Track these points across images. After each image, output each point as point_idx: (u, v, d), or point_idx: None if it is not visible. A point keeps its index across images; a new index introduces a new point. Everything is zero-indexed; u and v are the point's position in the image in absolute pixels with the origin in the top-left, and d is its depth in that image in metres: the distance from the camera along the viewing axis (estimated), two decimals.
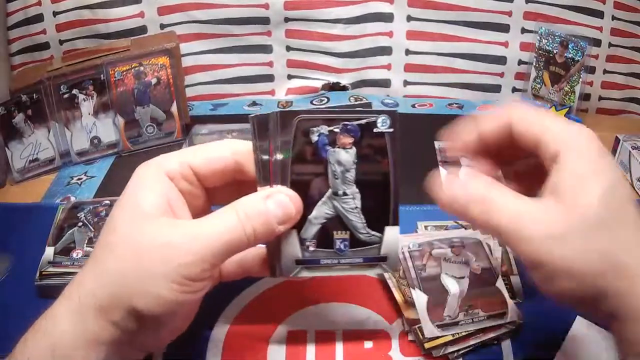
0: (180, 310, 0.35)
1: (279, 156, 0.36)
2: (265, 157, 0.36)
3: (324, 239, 0.37)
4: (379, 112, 0.36)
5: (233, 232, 0.34)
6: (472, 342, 0.42)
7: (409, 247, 0.48)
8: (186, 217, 0.37)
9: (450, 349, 0.42)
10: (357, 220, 0.38)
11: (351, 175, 0.37)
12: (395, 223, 0.38)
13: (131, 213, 0.34)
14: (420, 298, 0.44)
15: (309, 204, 0.37)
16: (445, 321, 0.43)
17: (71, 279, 0.34)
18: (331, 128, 0.36)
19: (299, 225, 0.37)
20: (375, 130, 0.37)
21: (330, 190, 0.37)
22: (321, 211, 0.37)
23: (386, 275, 0.47)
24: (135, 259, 0.33)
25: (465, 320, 0.43)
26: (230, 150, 0.37)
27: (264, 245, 0.38)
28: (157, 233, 0.33)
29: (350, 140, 0.36)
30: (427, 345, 0.42)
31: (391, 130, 0.37)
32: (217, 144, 0.38)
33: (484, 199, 0.33)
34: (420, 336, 0.42)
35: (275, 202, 0.35)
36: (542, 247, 0.31)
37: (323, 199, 0.37)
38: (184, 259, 0.32)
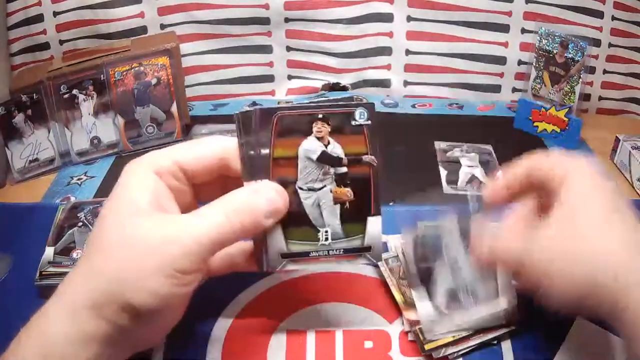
0: (172, 303, 0.35)
1: (263, 152, 0.37)
2: (251, 152, 0.37)
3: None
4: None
5: (221, 226, 0.34)
6: (472, 342, 0.42)
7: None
8: (175, 213, 0.37)
9: (451, 350, 0.42)
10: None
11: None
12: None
13: (121, 209, 0.35)
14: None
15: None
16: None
17: (64, 277, 0.35)
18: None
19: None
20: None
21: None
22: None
23: (385, 274, 0.47)
24: (127, 255, 0.33)
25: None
26: (218, 147, 0.38)
27: (250, 241, 0.39)
28: (148, 228, 0.34)
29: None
30: (427, 347, 0.42)
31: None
32: (205, 140, 0.39)
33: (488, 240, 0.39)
34: (421, 337, 0.42)
35: (262, 196, 0.36)
36: (540, 270, 0.35)
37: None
38: (175, 252, 0.33)
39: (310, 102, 0.37)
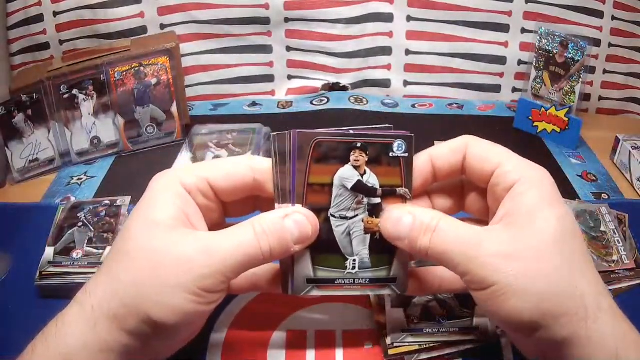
0: (193, 320, 0.35)
1: (298, 176, 0.36)
2: (284, 175, 0.36)
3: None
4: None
5: (249, 247, 0.34)
6: (437, 353, 0.42)
7: None
8: (203, 230, 0.37)
9: (414, 359, 0.41)
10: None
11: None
12: None
13: (147, 223, 0.34)
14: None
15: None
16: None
17: (84, 286, 0.34)
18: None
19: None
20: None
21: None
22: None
23: None
24: (151, 269, 0.33)
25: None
26: (249, 167, 0.37)
27: (276, 263, 0.38)
28: (174, 244, 0.33)
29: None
30: (390, 352, 0.42)
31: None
32: (236, 159, 0.38)
33: (431, 228, 0.34)
34: (386, 342, 0.42)
35: (293, 221, 0.35)
36: (493, 265, 0.32)
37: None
38: (200, 271, 0.33)
39: (349, 130, 0.36)
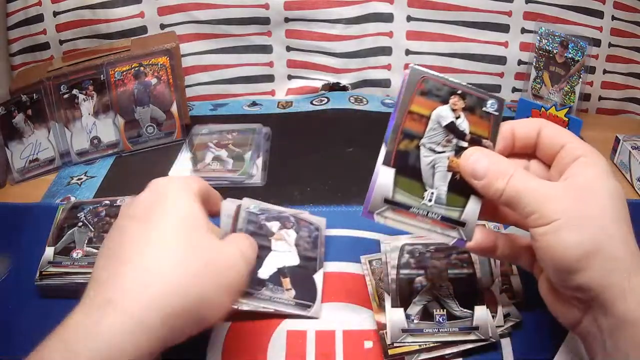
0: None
1: (401, 104, 0.40)
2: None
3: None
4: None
5: (254, 251, 0.42)
6: (437, 353, 0.42)
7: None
8: (217, 234, 0.39)
9: (414, 359, 0.42)
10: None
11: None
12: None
13: (182, 226, 0.36)
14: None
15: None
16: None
17: (112, 294, 0.33)
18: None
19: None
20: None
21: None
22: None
23: (366, 273, 0.48)
24: (208, 273, 0.35)
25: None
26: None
27: None
28: (221, 248, 0.37)
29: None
30: (390, 352, 0.42)
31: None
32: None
33: (509, 172, 0.37)
34: (386, 341, 0.42)
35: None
36: (560, 205, 0.35)
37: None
38: (244, 273, 0.38)
39: (454, 80, 0.40)
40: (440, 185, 0.40)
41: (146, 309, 0.32)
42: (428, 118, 0.40)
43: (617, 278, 0.33)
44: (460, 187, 0.39)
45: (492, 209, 0.42)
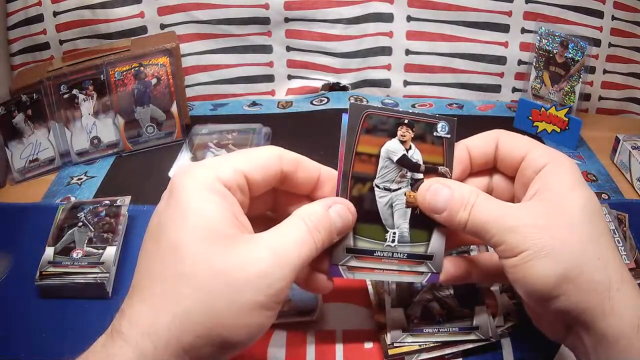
0: (264, 331, 0.32)
1: (347, 146, 0.37)
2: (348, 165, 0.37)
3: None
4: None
5: (306, 244, 0.33)
6: (437, 353, 0.42)
7: None
8: (250, 229, 0.33)
9: (414, 359, 0.42)
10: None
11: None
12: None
13: (203, 235, 0.31)
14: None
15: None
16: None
17: (128, 322, 0.30)
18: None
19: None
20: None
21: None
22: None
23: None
24: (225, 293, 0.30)
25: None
26: (278, 157, 0.35)
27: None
28: (244, 258, 0.31)
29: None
30: (390, 352, 0.42)
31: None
32: (264, 149, 0.36)
33: (471, 202, 0.35)
34: (386, 341, 0.42)
35: (336, 212, 0.35)
36: (526, 234, 0.33)
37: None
38: (278, 285, 0.31)
39: (397, 109, 0.38)
40: (401, 224, 0.38)
41: (154, 347, 0.29)
42: (377, 156, 0.37)
43: (595, 299, 0.32)
44: (422, 222, 0.38)
45: (460, 237, 0.40)
